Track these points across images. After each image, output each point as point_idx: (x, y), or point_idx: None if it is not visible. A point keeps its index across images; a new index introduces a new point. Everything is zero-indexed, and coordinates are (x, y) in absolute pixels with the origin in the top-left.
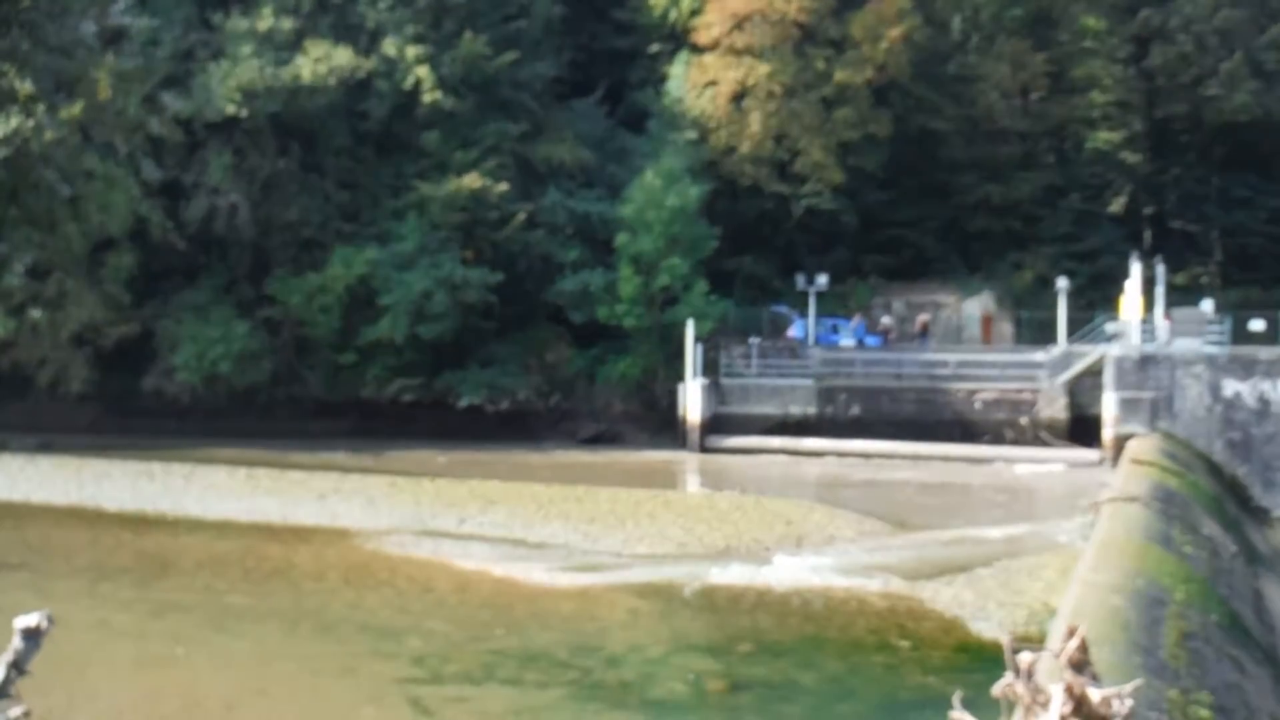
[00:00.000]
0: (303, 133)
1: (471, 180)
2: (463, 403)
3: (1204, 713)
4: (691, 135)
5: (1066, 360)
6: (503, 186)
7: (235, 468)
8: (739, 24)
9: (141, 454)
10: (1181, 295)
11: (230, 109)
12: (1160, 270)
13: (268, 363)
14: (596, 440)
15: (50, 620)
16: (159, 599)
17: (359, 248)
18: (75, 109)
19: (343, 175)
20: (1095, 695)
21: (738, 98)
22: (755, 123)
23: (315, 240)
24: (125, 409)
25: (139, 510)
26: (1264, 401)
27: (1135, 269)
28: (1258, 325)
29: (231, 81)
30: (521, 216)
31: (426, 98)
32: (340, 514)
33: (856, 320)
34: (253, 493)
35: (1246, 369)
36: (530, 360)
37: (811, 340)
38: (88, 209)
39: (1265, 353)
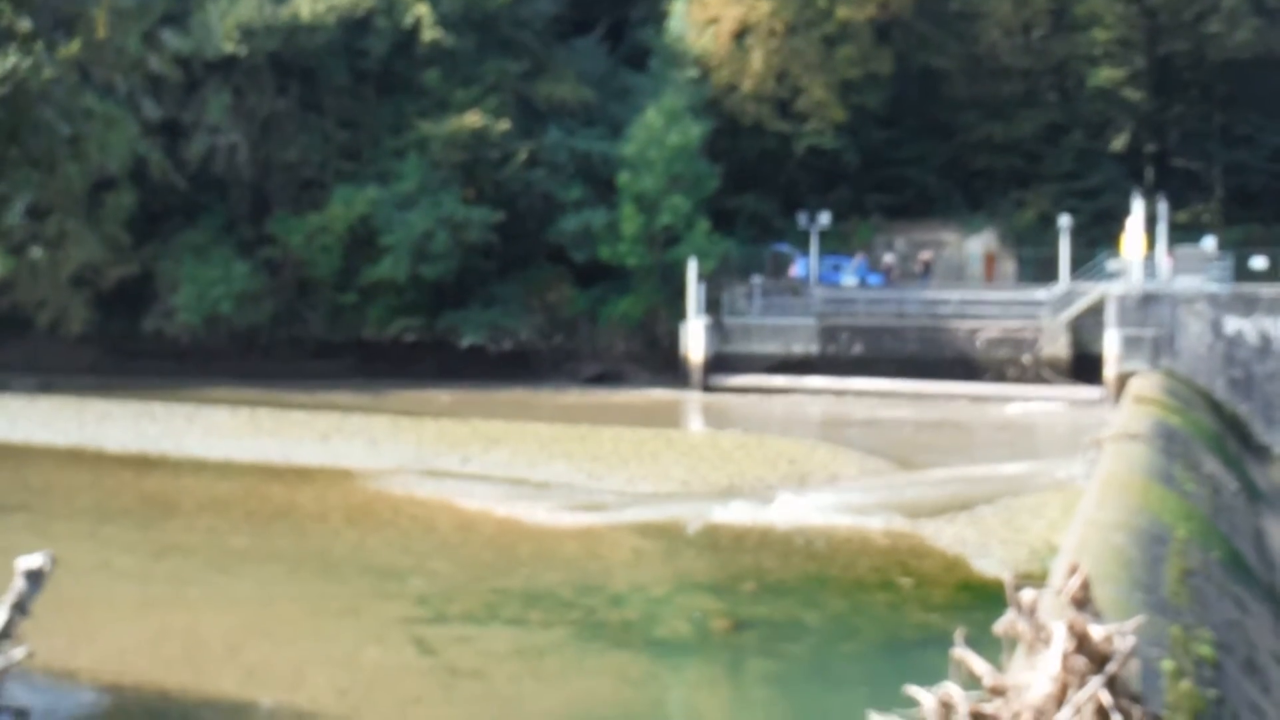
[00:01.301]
0: (302, 71)
1: (472, 119)
2: (465, 343)
3: (1205, 650)
4: (693, 73)
5: (1068, 298)
6: (504, 125)
7: (237, 408)
8: None
9: (142, 395)
10: (1183, 233)
11: (229, 47)
12: (1162, 208)
13: (268, 303)
14: (599, 380)
15: (52, 562)
16: (161, 540)
17: (359, 187)
18: (74, 47)
19: (342, 114)
20: (1097, 633)
21: (739, 35)
22: (757, 60)
23: (315, 180)
24: (125, 350)
25: (141, 451)
26: (1265, 339)
27: (1137, 207)
28: (1259, 263)
29: (230, 19)
30: (523, 155)
31: (426, 35)
32: (342, 454)
33: (858, 259)
34: (255, 433)
35: (1248, 306)
36: (532, 300)
37: (813, 279)
38: (87, 148)
39: (1267, 290)
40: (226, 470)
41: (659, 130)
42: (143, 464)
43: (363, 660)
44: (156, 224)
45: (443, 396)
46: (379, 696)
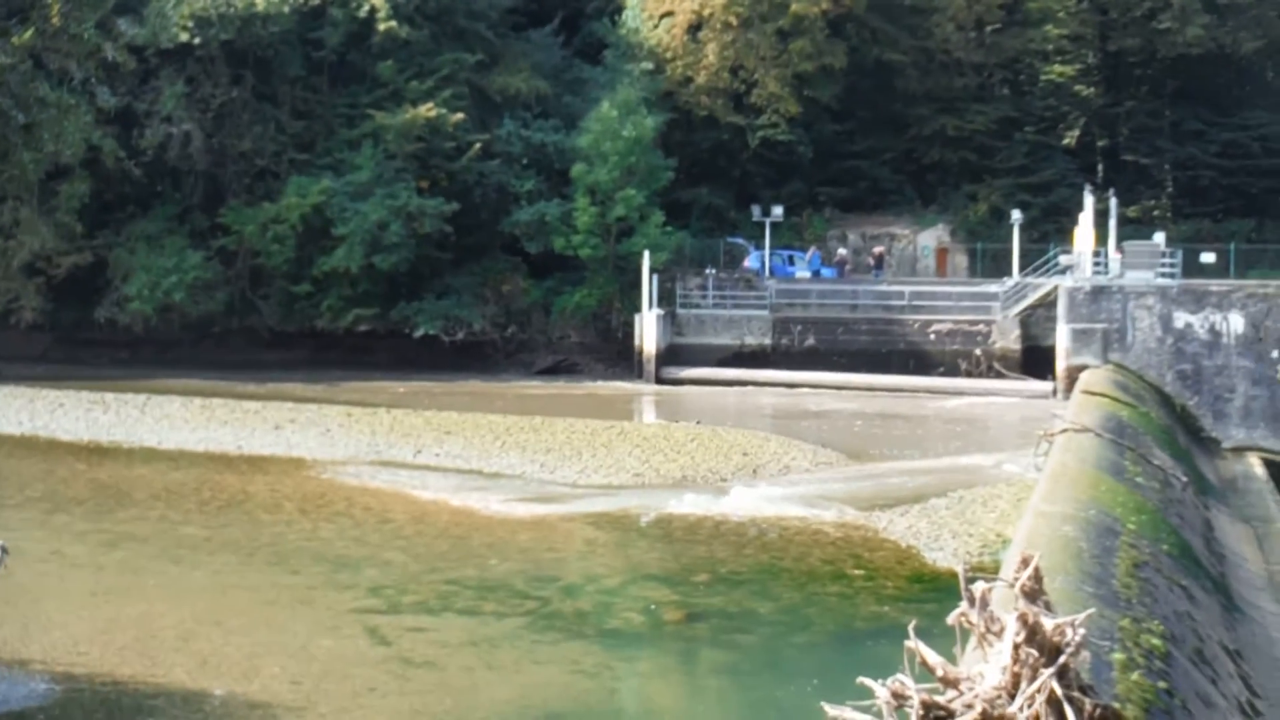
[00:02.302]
0: (257, 61)
1: (427, 110)
2: (419, 333)
3: (1155, 641)
4: (647, 66)
5: (1020, 292)
6: (458, 116)
7: (190, 398)
8: None
9: (95, 384)
10: (1134, 228)
11: (184, 36)
12: (1113, 203)
13: (222, 293)
14: (552, 371)
15: (5, 550)
16: (114, 530)
17: (314, 177)
18: (28, 35)
19: (297, 104)
20: (1048, 624)
21: (694, 28)
22: (711, 53)
23: (269, 170)
24: (77, 339)
25: (93, 440)
26: (1214, 333)
27: (1088, 201)
28: (1208, 258)
29: (185, 8)
30: (477, 147)
31: (381, 26)
32: (296, 444)
33: (812, 252)
34: (207, 423)
35: (1197, 301)
36: (486, 291)
37: (767, 271)
38: (41, 136)
39: (1216, 285)
40: (179, 460)
41: (613, 123)
42: (95, 453)
43: (316, 650)
44: (110, 213)
45: (397, 387)
46: (332, 686)
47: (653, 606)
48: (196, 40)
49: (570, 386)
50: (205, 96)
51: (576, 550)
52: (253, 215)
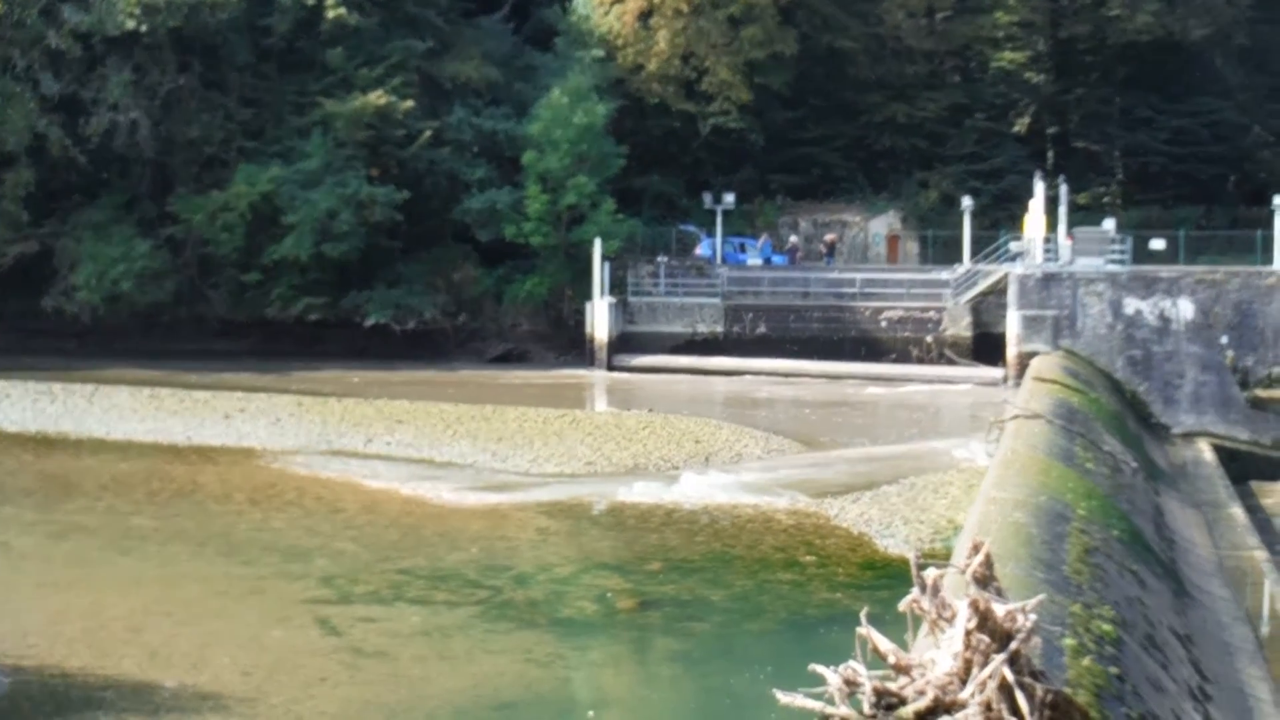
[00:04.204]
0: (204, 48)
1: (377, 97)
2: (369, 322)
3: (1106, 627)
4: (598, 53)
5: (971, 279)
6: (408, 104)
7: (138, 388)
8: None
9: (42, 374)
10: (1084, 214)
11: (130, 23)
12: (1063, 189)
13: (170, 282)
14: (504, 359)
15: None
16: (62, 521)
17: (263, 165)
18: None
19: (245, 92)
20: (999, 610)
21: (645, 15)
22: (662, 40)
23: (218, 158)
24: (24, 329)
25: (40, 431)
26: (1164, 319)
27: (1038, 188)
28: (1158, 244)
29: None
30: (427, 134)
31: (330, 13)
32: (246, 434)
33: (763, 239)
34: (156, 413)
35: (1147, 287)
36: (437, 279)
37: (719, 259)
38: None
39: (1165, 271)
40: (128, 450)
41: (564, 110)
42: (42, 444)
43: (267, 641)
44: (56, 201)
45: (349, 376)
46: (283, 677)
47: (605, 595)
48: (143, 27)
49: (521, 375)
50: (152, 84)
51: (528, 539)
52: (201, 204)
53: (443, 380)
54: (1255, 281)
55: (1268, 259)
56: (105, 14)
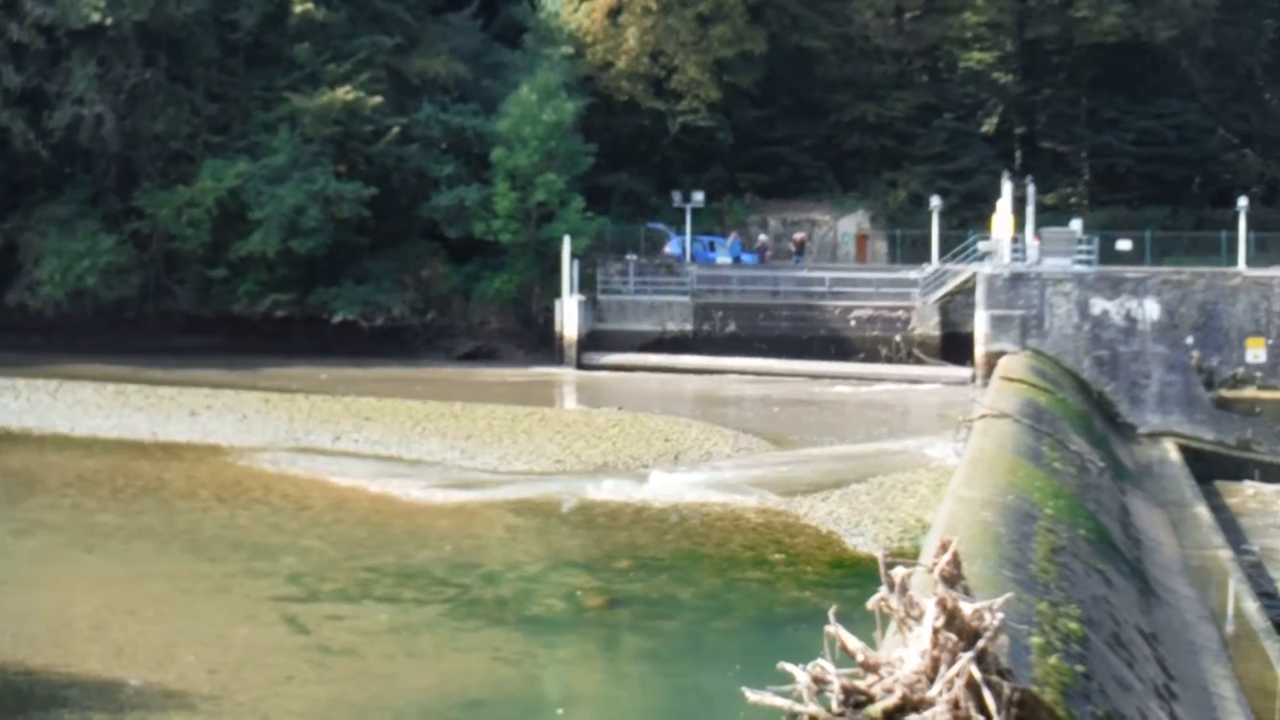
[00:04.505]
0: (170, 42)
1: (344, 93)
2: (337, 318)
3: (1073, 625)
4: (567, 50)
5: (939, 278)
6: (376, 100)
7: (103, 384)
8: None
9: (5, 370)
10: (1051, 215)
11: (94, 16)
12: (1030, 190)
13: (136, 277)
14: (473, 357)
15: None
16: (26, 518)
17: (229, 160)
18: None
19: (212, 87)
20: (967, 609)
21: (614, 13)
22: (631, 38)
23: (184, 153)
24: None
25: (3, 427)
26: (1130, 320)
27: (1006, 188)
28: (1125, 245)
29: None
30: (395, 130)
31: (297, 8)
32: (212, 431)
33: (733, 238)
34: (122, 409)
35: (1114, 288)
36: (405, 276)
37: (688, 257)
38: None
39: (1132, 272)
40: (92, 446)
41: (533, 107)
42: (5, 440)
43: (233, 639)
44: (19, 195)
45: (315, 373)
46: (250, 675)
47: (574, 593)
48: (108, 21)
49: (490, 372)
50: (117, 78)
51: (497, 537)
52: (167, 199)
53: (411, 377)
54: (1220, 282)
55: (1233, 260)
56: (69, 7)
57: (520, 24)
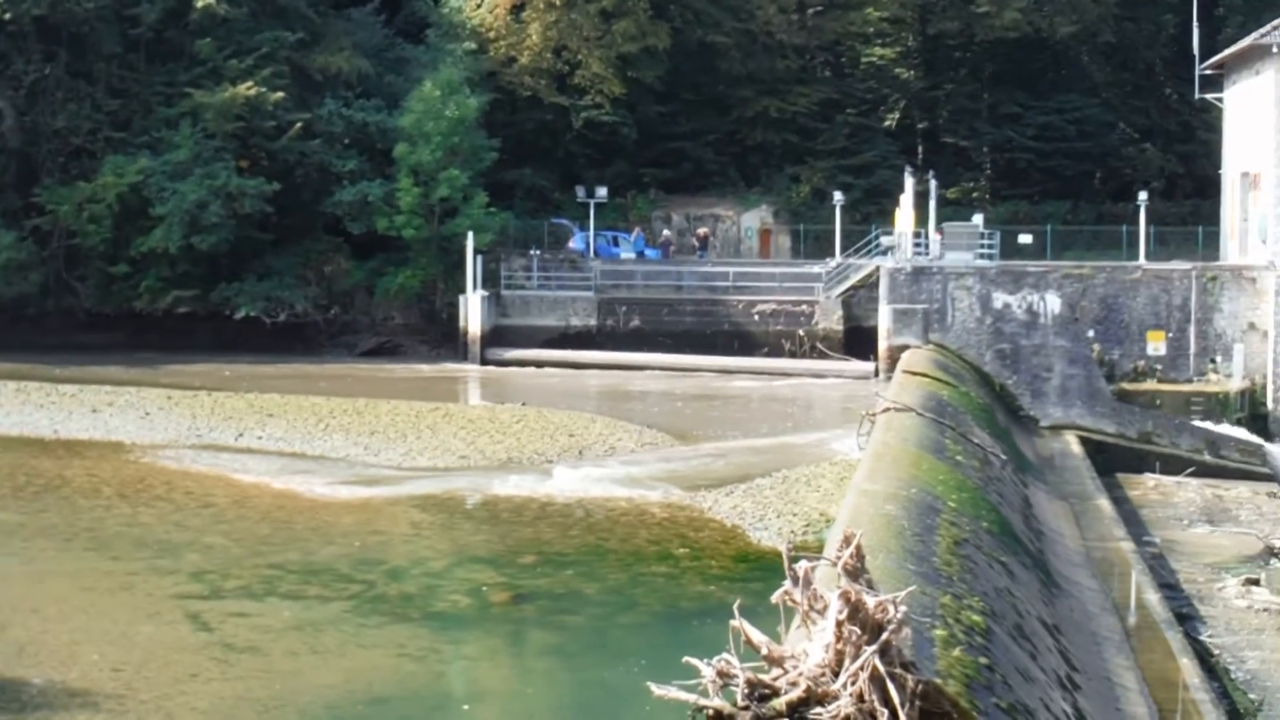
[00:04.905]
0: (71, 37)
1: (246, 88)
2: (240, 315)
3: (976, 617)
4: (470, 46)
5: (842, 273)
6: (278, 95)
7: (3, 381)
8: None
9: None
10: (953, 209)
11: None
12: (933, 184)
13: (36, 274)
14: (376, 353)
15: None
16: None
17: (131, 156)
18: None
19: (113, 82)
20: (871, 602)
21: (517, 8)
22: (534, 33)
23: (85, 148)
24: None
25: None
26: (1032, 313)
27: (908, 183)
28: (1026, 239)
29: None
30: (298, 126)
31: (199, 3)
32: (115, 428)
33: (636, 233)
34: (22, 407)
35: (1016, 282)
36: (308, 272)
37: (592, 253)
38: None
39: (1034, 266)
40: None
41: (436, 102)
42: None
43: (136, 637)
44: None
45: (218, 370)
46: (153, 673)
47: (479, 589)
48: (7, 15)
49: (394, 368)
50: (17, 73)
51: (402, 533)
52: (68, 195)
53: (314, 374)
54: (1121, 276)
55: (1133, 254)
56: None
57: (423, 19)
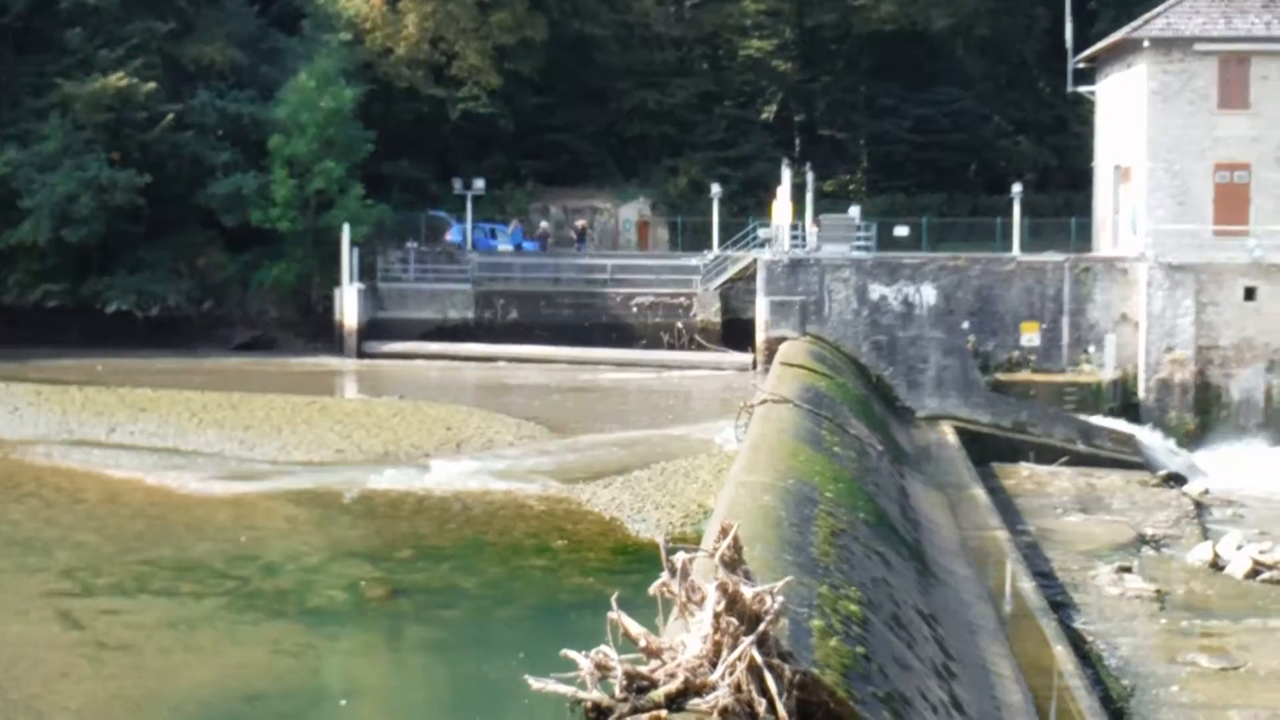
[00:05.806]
0: None
1: (117, 79)
2: (111, 309)
3: (853, 607)
4: (346, 36)
5: (720, 265)
6: (150, 86)
7: None
8: None
9: None
10: (830, 201)
11: None
12: (809, 177)
13: None
14: (251, 347)
15: None
16: None
17: None
18: None
19: None
20: (748, 593)
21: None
22: (411, 24)
23: None
24: None
25: None
26: (908, 305)
27: (785, 175)
28: (902, 231)
29: None
30: (170, 117)
31: None
32: None
33: (514, 225)
34: None
35: (891, 273)
36: (181, 265)
37: (469, 245)
38: None
39: (909, 258)
40: None
41: (311, 94)
42: None
43: (5, 636)
44: None
45: (90, 364)
46: (23, 673)
47: (356, 584)
48: None
49: (269, 362)
50: None
51: (277, 528)
52: None
53: (188, 368)
54: (995, 268)
55: (1007, 246)
56: None
57: (298, 10)
